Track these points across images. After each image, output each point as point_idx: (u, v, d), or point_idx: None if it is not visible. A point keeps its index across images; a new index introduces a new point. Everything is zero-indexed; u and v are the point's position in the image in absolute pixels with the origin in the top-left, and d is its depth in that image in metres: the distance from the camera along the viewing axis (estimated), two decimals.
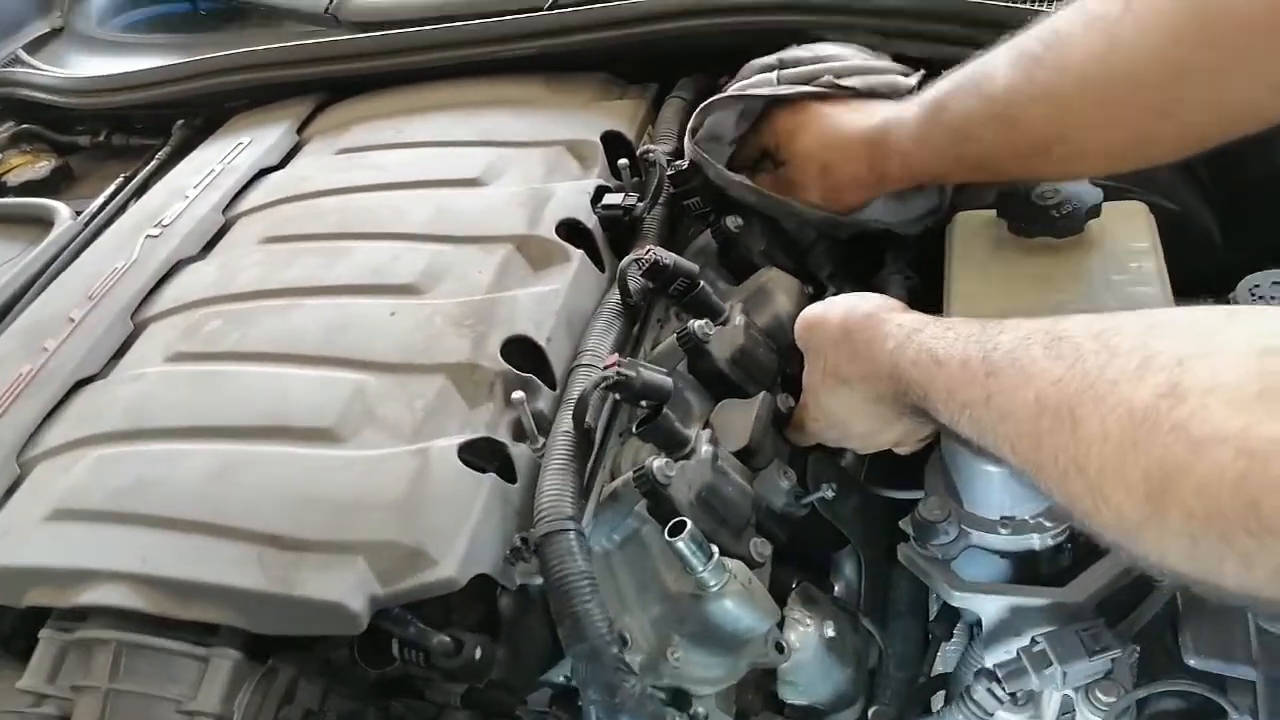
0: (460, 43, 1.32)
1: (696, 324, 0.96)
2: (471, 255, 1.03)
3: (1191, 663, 0.84)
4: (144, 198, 1.33)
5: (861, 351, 0.86)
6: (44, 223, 1.38)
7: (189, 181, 1.28)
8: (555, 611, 0.77)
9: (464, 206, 1.10)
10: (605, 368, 0.87)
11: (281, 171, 1.28)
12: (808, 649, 0.96)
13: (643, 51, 1.28)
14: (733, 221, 1.08)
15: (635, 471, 0.84)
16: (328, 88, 1.42)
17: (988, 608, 0.90)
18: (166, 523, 0.82)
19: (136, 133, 1.64)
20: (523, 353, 0.94)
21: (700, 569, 0.80)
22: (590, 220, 1.09)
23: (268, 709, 0.77)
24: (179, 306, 1.07)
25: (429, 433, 0.87)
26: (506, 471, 0.86)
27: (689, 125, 1.14)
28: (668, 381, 0.89)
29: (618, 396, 0.89)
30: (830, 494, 1.01)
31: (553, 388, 0.94)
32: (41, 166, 1.63)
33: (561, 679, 0.89)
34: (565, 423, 0.88)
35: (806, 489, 0.98)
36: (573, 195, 1.10)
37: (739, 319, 1.00)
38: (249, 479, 0.84)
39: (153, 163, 1.45)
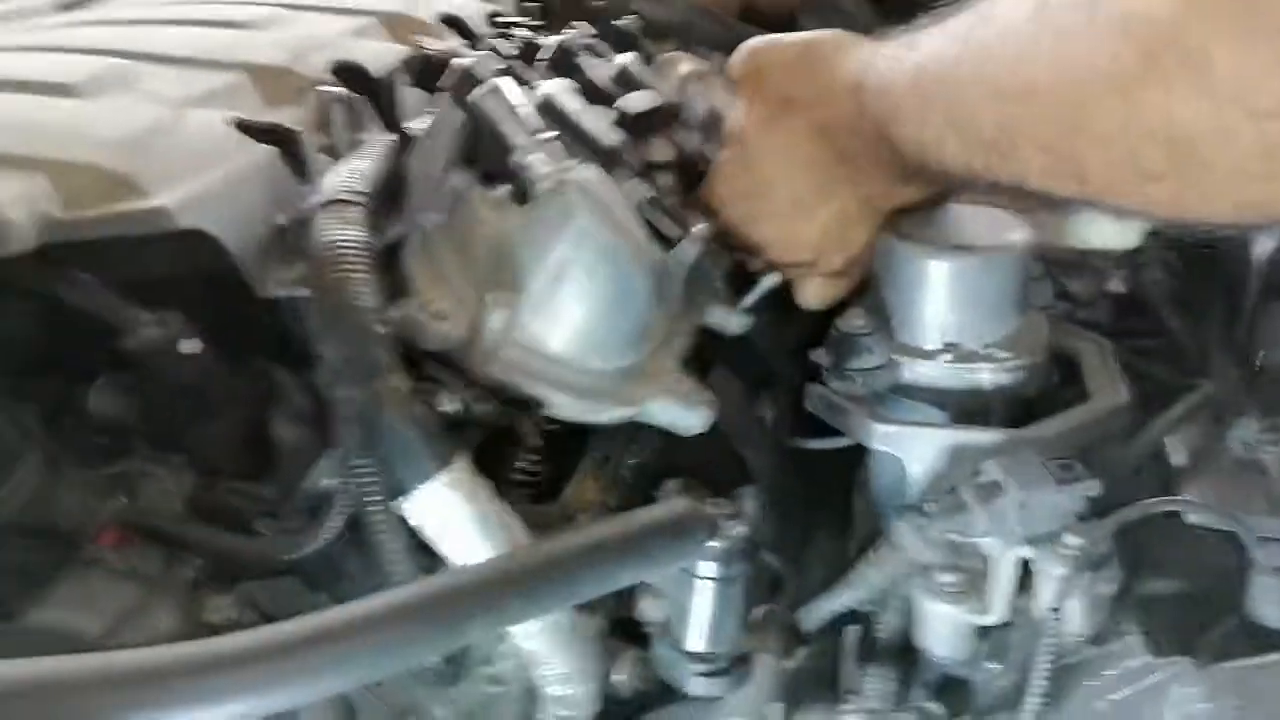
0: None
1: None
2: (322, 18, 0.85)
3: (1194, 519, 0.61)
4: None
5: (819, 69, 0.68)
6: None
7: None
8: (312, 285, 0.54)
9: None
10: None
11: None
12: None
13: None
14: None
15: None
16: None
17: (919, 450, 0.67)
18: None
19: None
20: (358, 85, 0.74)
21: (520, 138, 0.56)
22: (482, 29, 0.92)
23: None
24: None
25: (201, 106, 0.65)
26: (297, 171, 0.64)
27: None
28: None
29: None
30: (772, 283, 0.73)
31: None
32: None
33: None
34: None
35: None
36: (462, 1, 0.94)
37: (629, 57, 0.77)
38: None
39: None
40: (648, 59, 0.85)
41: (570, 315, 0.57)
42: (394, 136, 0.66)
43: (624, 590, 0.71)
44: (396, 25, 0.86)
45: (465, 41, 0.89)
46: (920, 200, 0.71)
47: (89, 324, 0.56)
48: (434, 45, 0.66)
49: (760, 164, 0.71)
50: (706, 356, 0.81)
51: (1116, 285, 0.82)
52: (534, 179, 0.56)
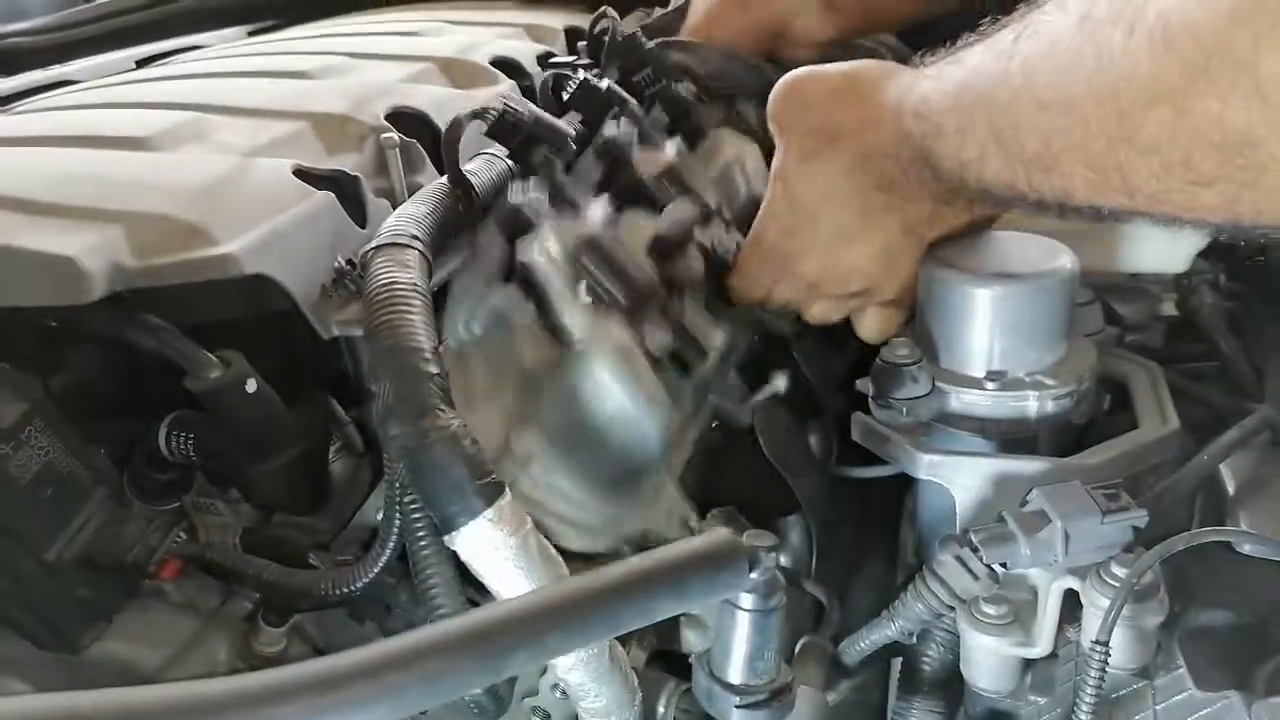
0: None
1: (620, 129, 0.78)
2: (381, 65, 0.88)
3: (1247, 549, 0.60)
4: None
5: (865, 95, 0.69)
6: None
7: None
8: (367, 326, 0.56)
9: (387, 44, 0.96)
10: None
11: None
12: None
13: None
14: (685, 88, 0.93)
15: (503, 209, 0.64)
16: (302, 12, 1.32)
17: (964, 479, 0.67)
18: None
19: None
20: (415, 130, 0.77)
21: (562, 300, 0.59)
22: (532, 68, 0.95)
23: None
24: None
25: (267, 155, 0.68)
26: (356, 216, 0.67)
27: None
28: (566, 129, 0.71)
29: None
30: (782, 386, 0.79)
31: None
32: None
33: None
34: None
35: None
36: (514, 44, 0.97)
37: (674, 148, 0.82)
38: (24, 160, 0.66)
39: None
40: (694, 133, 0.88)
41: (582, 460, 0.61)
42: (449, 181, 0.69)
43: (666, 623, 0.73)
44: (452, 70, 0.89)
45: (517, 82, 0.92)
46: (961, 227, 0.72)
47: (157, 367, 0.60)
48: (514, 103, 0.69)
49: (803, 198, 0.72)
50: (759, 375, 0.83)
51: (1169, 309, 0.81)
52: (568, 339, 0.60)
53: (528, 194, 0.63)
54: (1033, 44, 0.54)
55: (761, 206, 0.76)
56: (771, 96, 0.74)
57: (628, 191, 0.76)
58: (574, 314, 0.59)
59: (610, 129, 0.79)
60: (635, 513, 0.65)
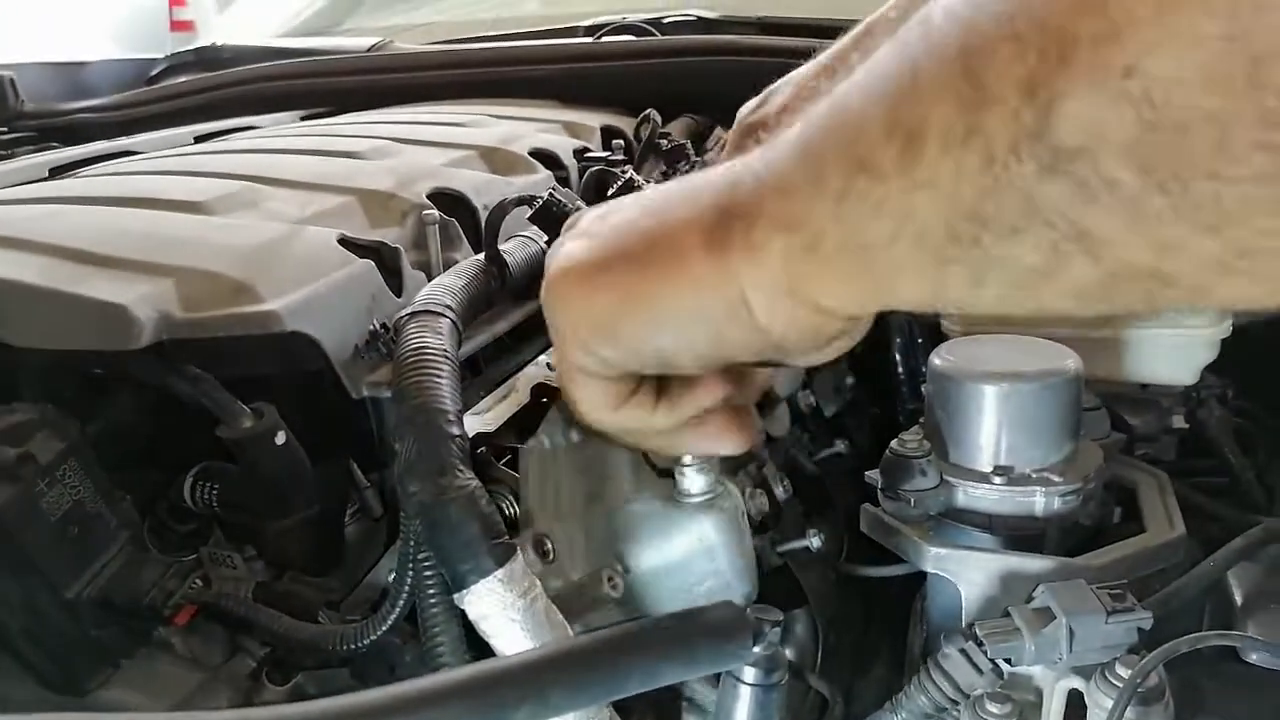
0: (482, 62, 1.31)
1: None
2: (427, 150, 0.93)
3: (1254, 659, 0.60)
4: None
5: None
6: None
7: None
8: (395, 386, 0.58)
9: (433, 131, 1.01)
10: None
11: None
12: None
13: (662, 86, 1.24)
14: None
15: None
16: (352, 103, 1.39)
17: (972, 575, 0.67)
18: None
19: None
20: (455, 210, 0.81)
21: (689, 459, 0.61)
22: (569, 161, 0.99)
23: None
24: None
25: (314, 224, 0.72)
26: (394, 285, 0.70)
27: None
28: None
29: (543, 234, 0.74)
30: (817, 542, 0.80)
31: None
32: None
33: None
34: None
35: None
36: (552, 138, 1.02)
37: None
38: (86, 217, 0.70)
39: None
40: None
41: (658, 601, 0.62)
42: (485, 258, 0.72)
43: (668, 711, 0.73)
44: (493, 157, 0.94)
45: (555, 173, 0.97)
46: None
47: (187, 421, 0.62)
48: (560, 194, 0.73)
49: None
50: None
51: (1179, 422, 0.82)
52: (685, 491, 0.61)
53: None
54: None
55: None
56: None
57: None
58: (697, 470, 0.60)
59: None
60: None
